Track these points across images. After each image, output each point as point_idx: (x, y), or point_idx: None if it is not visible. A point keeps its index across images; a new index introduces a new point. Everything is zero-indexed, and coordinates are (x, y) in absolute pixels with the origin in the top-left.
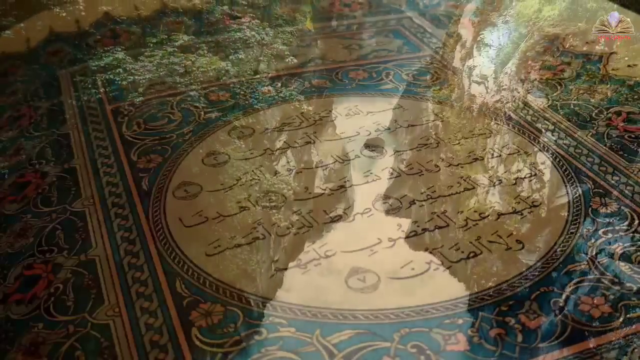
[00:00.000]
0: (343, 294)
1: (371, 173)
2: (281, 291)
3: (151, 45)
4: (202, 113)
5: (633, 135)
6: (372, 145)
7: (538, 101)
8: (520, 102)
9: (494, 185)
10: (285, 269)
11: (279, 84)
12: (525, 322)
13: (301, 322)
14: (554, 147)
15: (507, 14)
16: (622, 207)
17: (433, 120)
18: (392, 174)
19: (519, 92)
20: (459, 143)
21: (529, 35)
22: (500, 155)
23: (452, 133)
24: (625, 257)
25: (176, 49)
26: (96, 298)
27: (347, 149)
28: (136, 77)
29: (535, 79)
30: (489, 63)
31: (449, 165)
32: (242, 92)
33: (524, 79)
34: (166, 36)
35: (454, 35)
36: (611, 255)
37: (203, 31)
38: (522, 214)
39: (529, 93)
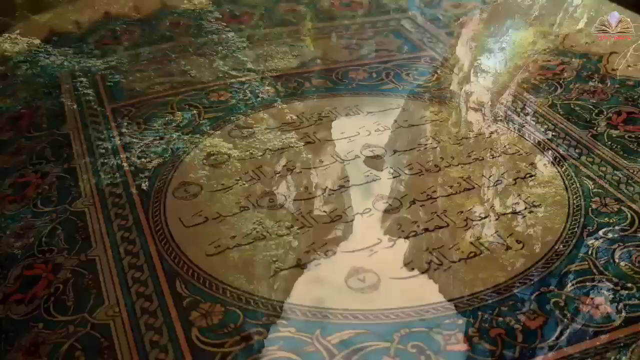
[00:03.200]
0: (343, 294)
1: (371, 173)
2: (281, 291)
3: (156, 125)
4: (203, 113)
5: (633, 135)
6: (372, 146)
7: (538, 101)
8: (520, 103)
9: (494, 185)
10: (285, 269)
11: (279, 84)
12: (525, 322)
13: (301, 322)
14: (554, 146)
15: (503, 41)
16: (623, 207)
17: (433, 120)
18: (392, 173)
19: (518, 93)
20: (459, 143)
21: (523, 66)
22: (500, 155)
23: (452, 133)
24: (626, 257)
25: (181, 133)
26: (96, 298)
27: (347, 149)
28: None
29: (535, 79)
30: (487, 70)
31: (449, 165)
32: (242, 92)
33: (524, 80)
34: (171, 117)
35: (456, 35)
36: (611, 255)
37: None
38: (522, 214)
39: (528, 93)
